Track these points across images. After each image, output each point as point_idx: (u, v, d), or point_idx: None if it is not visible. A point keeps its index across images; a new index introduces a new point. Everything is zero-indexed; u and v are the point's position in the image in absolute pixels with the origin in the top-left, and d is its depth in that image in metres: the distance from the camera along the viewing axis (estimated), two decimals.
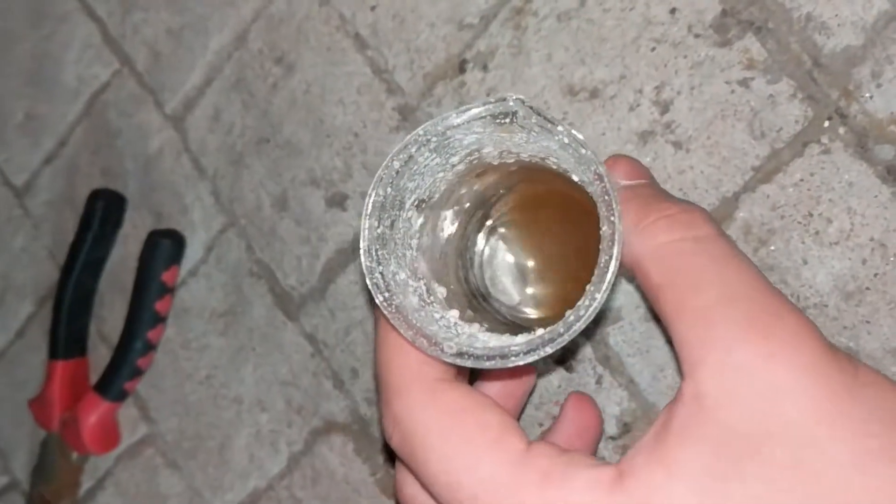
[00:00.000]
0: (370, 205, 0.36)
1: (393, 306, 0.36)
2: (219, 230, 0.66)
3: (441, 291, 0.42)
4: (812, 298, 0.46)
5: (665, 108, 0.49)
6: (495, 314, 0.47)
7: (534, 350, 0.33)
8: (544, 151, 0.38)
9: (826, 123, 0.45)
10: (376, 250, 0.36)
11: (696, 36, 0.48)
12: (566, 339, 0.33)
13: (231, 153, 0.65)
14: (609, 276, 0.33)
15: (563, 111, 0.51)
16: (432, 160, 0.38)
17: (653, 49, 0.49)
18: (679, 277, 0.33)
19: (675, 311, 0.32)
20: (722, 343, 0.30)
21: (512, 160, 0.42)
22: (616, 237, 0.33)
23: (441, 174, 0.40)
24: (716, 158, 0.47)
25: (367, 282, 0.36)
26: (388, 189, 0.36)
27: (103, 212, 0.68)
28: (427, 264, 0.42)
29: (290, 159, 0.62)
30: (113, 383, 0.68)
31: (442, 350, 0.34)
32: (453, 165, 0.40)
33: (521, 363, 0.33)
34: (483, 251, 0.49)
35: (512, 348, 0.34)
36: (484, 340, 0.38)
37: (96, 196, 0.69)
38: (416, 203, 0.40)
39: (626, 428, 0.50)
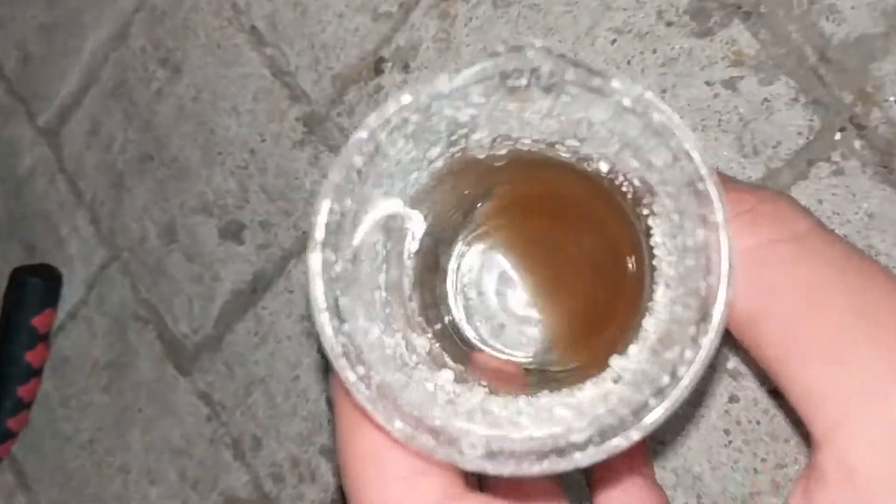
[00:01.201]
0: (320, 228, 0.23)
1: (373, 387, 0.22)
2: (100, 265, 0.54)
3: (422, 345, 0.29)
4: None
5: None
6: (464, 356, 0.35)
7: (609, 436, 0.21)
8: (564, 131, 0.26)
9: (838, 136, 0.35)
10: (336, 299, 0.23)
11: (669, 24, 0.37)
12: (665, 411, 0.20)
13: (111, 173, 0.53)
14: (720, 313, 0.21)
15: None
16: (407, 153, 0.25)
17: (613, 41, 0.38)
18: (783, 296, 0.22)
19: (786, 345, 0.22)
20: (873, 389, 0.21)
21: (504, 150, 0.29)
22: (724, 248, 0.21)
23: (414, 175, 0.27)
24: None
25: (327, 350, 0.22)
26: (348, 201, 0.23)
27: None
28: (398, 306, 0.28)
29: (177, 181, 0.50)
30: None
31: (461, 451, 0.21)
32: (430, 161, 0.27)
33: (592, 460, 0.21)
34: (463, 275, 0.36)
35: (572, 438, 0.21)
36: (507, 417, 0.24)
37: None
38: (384, 220, 0.26)
39: None
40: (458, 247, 0.35)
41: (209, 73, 0.49)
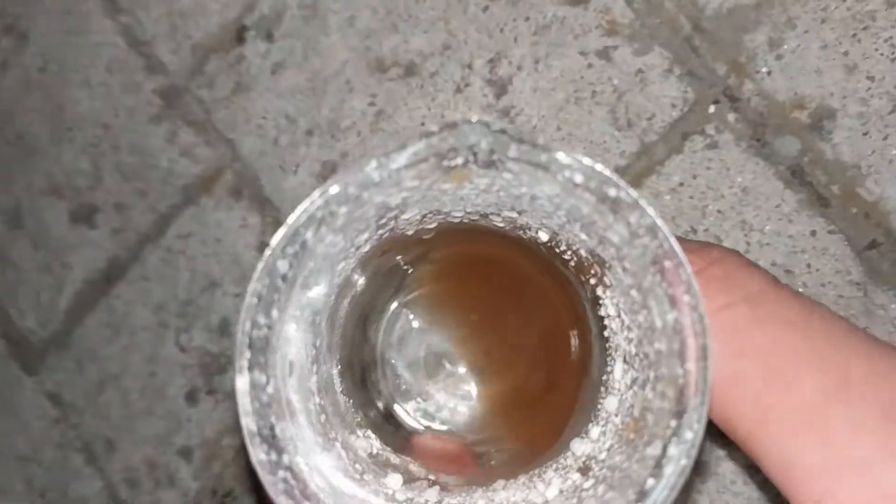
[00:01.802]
0: (249, 343, 0.20)
1: None
2: None
3: (363, 447, 0.26)
4: None
5: (502, 88, 0.36)
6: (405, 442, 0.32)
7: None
8: (502, 204, 0.23)
9: (712, 108, 0.33)
10: (271, 427, 0.20)
11: None
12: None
13: None
14: (702, 405, 0.19)
15: (371, 93, 0.38)
16: (334, 245, 0.22)
17: (485, 9, 0.36)
18: (749, 367, 0.21)
19: (759, 419, 0.21)
20: (857, 461, 0.20)
21: (434, 224, 0.26)
22: (705, 333, 0.19)
23: (342, 265, 0.24)
24: None
25: (268, 488, 0.20)
26: (274, 312, 0.20)
27: None
28: (331, 406, 0.25)
29: (23, 160, 0.46)
30: None
31: None
32: (358, 247, 0.24)
33: None
34: (392, 353, 0.33)
35: None
36: None
37: None
38: (311, 318, 0.24)
39: None
40: (385, 322, 0.32)
41: (57, 42, 0.45)
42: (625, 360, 0.22)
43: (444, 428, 0.32)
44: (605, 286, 0.22)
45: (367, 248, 0.25)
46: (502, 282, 0.32)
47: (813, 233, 0.32)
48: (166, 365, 0.43)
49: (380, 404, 0.32)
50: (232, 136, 0.41)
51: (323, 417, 0.24)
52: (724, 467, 0.34)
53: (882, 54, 0.31)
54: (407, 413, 0.32)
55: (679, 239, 0.24)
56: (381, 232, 0.24)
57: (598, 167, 0.19)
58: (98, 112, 0.44)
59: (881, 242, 0.32)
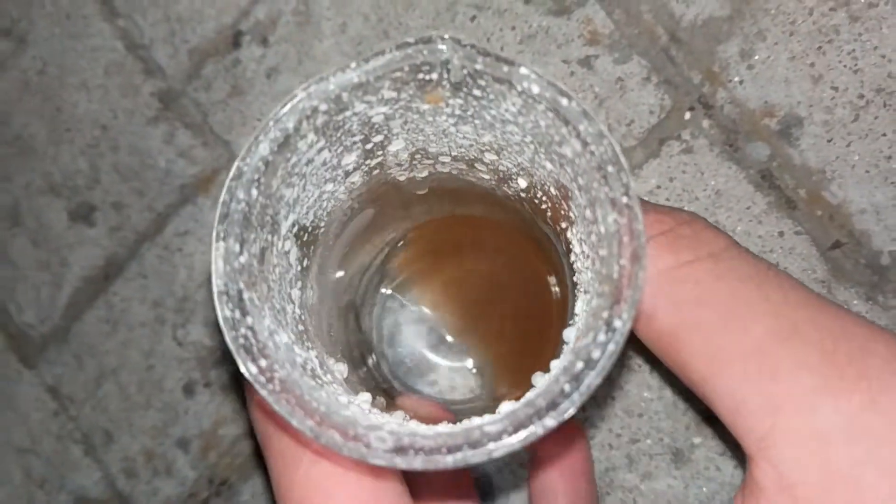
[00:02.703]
0: (226, 214, 0.22)
1: (276, 381, 0.21)
2: None
3: (340, 369, 0.28)
4: None
5: None
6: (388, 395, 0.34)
7: (524, 424, 0.20)
8: (481, 143, 0.25)
9: (688, 115, 0.35)
10: (239, 291, 0.21)
11: (527, 2, 0.37)
12: (580, 396, 0.19)
13: None
14: (632, 297, 0.20)
15: None
16: (318, 152, 0.24)
17: (472, 18, 0.38)
18: (703, 312, 0.23)
19: (712, 361, 0.23)
20: (799, 399, 0.21)
21: (425, 173, 0.28)
22: (638, 246, 0.20)
23: (330, 186, 0.26)
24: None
25: (228, 341, 0.21)
26: (253, 191, 0.22)
27: None
28: (314, 329, 0.27)
29: (21, 160, 0.47)
30: None
31: (368, 445, 0.20)
32: (347, 173, 0.26)
33: (507, 450, 0.20)
34: (386, 315, 0.34)
35: (486, 428, 0.20)
36: (425, 430, 0.22)
37: None
38: (295, 230, 0.25)
39: None
40: (380, 296, 0.34)
41: (56, 45, 0.46)
42: (585, 292, 0.23)
43: (436, 397, 0.34)
44: (571, 223, 0.24)
45: (356, 177, 0.26)
46: (487, 252, 0.33)
47: (781, 233, 0.34)
48: (164, 359, 0.45)
49: (368, 361, 0.33)
50: (228, 138, 0.43)
51: (301, 327, 0.25)
52: (699, 454, 0.36)
53: (845, 66, 0.33)
54: (396, 382, 0.34)
55: (652, 204, 0.26)
56: (369, 162, 0.26)
57: (551, 79, 0.21)
58: (96, 114, 0.45)
59: (844, 242, 0.34)
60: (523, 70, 0.21)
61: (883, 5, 0.33)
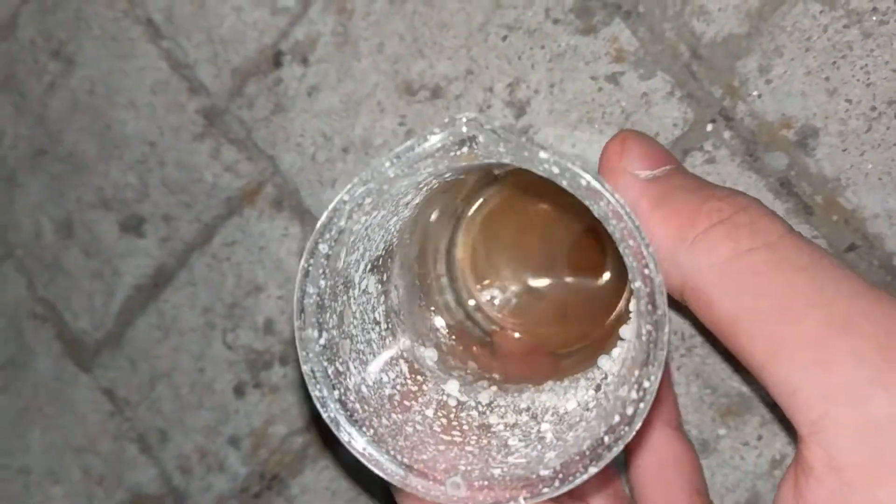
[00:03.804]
0: (301, 310, 0.25)
1: (370, 433, 0.25)
2: None
3: (430, 356, 0.31)
4: (698, 336, 0.38)
5: (521, 109, 0.40)
6: (485, 339, 0.37)
7: (572, 471, 0.24)
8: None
9: (709, 127, 0.38)
10: (324, 370, 0.26)
11: (556, 22, 0.39)
12: (614, 453, 0.23)
13: (2, 168, 0.52)
14: (659, 358, 0.23)
15: (401, 115, 0.42)
16: (375, 218, 0.27)
17: (504, 38, 0.40)
18: (762, 303, 0.24)
19: (768, 349, 0.24)
20: (852, 389, 0.23)
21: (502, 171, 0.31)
22: (658, 300, 0.23)
23: (394, 220, 0.29)
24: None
25: (337, 433, 0.26)
26: (322, 283, 0.25)
27: None
28: (404, 322, 0.31)
29: (73, 176, 0.50)
30: None
31: (446, 492, 0.25)
32: (407, 204, 0.29)
33: (557, 493, 0.23)
34: (475, 259, 0.37)
35: (541, 472, 0.24)
36: (500, 434, 0.27)
37: None
38: (370, 267, 0.28)
39: None
40: (461, 235, 0.36)
41: (104, 67, 0.48)
42: (637, 301, 0.26)
43: (520, 322, 0.37)
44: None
45: (418, 199, 0.29)
46: (560, 208, 0.36)
47: None
48: (214, 362, 0.47)
49: (469, 302, 0.36)
50: (272, 153, 0.45)
51: (388, 338, 0.29)
52: (724, 444, 0.38)
53: (858, 80, 0.36)
54: (487, 305, 0.37)
55: (712, 187, 0.28)
56: (426, 188, 0.28)
57: (570, 164, 0.23)
58: (144, 131, 0.48)
59: (859, 245, 0.36)
60: (542, 155, 0.23)
61: (893, 23, 0.35)
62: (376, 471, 0.25)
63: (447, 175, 0.27)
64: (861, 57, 0.35)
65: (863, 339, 0.23)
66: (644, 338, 0.23)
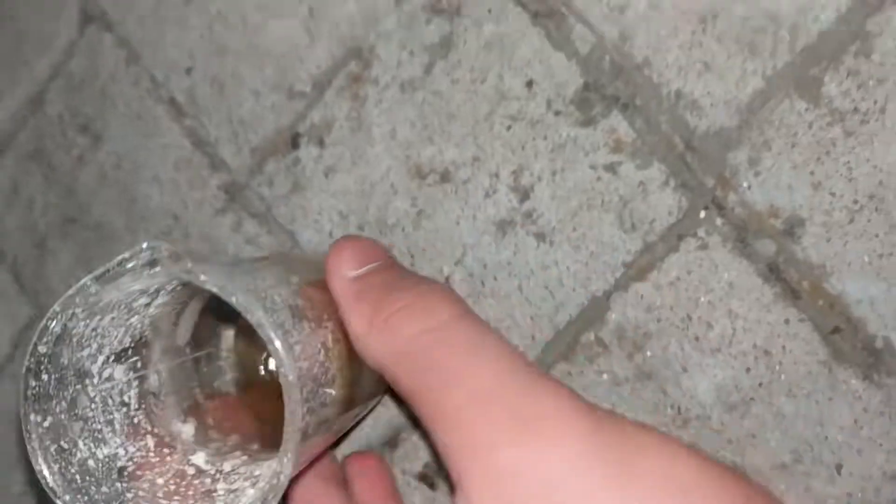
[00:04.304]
0: (26, 401, 0.30)
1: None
2: (25, 324, 0.56)
3: (188, 430, 0.36)
4: (694, 410, 0.41)
5: (525, 194, 0.43)
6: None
7: None
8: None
9: (702, 214, 0.40)
10: (50, 448, 0.31)
11: (557, 113, 0.42)
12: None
13: (34, 235, 0.55)
14: (289, 462, 0.28)
15: (412, 197, 0.45)
16: (102, 321, 0.32)
17: (508, 128, 0.43)
18: (427, 378, 0.30)
19: (430, 417, 0.30)
20: (483, 446, 0.28)
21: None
22: (294, 407, 0.28)
23: (134, 318, 0.34)
24: (583, 253, 0.42)
25: (50, 491, 0.30)
26: (45, 377, 0.31)
27: None
28: (164, 403, 0.36)
29: (101, 244, 0.53)
30: None
31: None
32: (147, 305, 0.34)
33: None
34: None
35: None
36: (218, 498, 0.33)
37: None
38: (112, 358, 0.33)
39: None
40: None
41: (130, 143, 0.51)
42: None
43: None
44: None
45: (163, 299, 0.34)
46: None
47: (787, 321, 0.39)
48: None
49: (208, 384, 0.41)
50: (291, 228, 0.48)
51: (137, 419, 0.34)
52: None
53: (841, 175, 0.38)
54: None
55: (407, 277, 0.35)
56: (168, 290, 0.34)
57: (224, 284, 0.29)
58: (168, 205, 0.50)
59: (843, 328, 0.38)
60: (202, 277, 0.29)
61: (874, 122, 0.37)
62: None
63: (169, 284, 0.32)
64: (844, 153, 0.38)
65: (500, 408, 0.28)
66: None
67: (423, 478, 0.46)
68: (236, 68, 0.48)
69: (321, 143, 0.47)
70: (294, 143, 0.47)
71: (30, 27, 0.54)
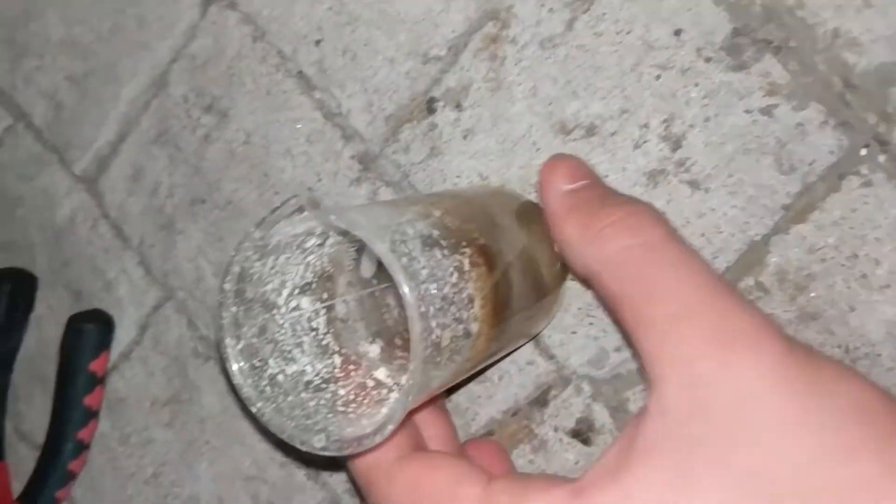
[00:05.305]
0: (221, 329, 0.35)
1: (266, 413, 0.35)
2: (153, 306, 0.57)
3: (374, 350, 0.40)
4: (863, 348, 0.40)
5: (677, 143, 0.43)
6: None
7: (379, 431, 0.32)
8: None
9: (863, 152, 0.40)
10: (243, 365, 0.35)
11: (707, 60, 0.42)
12: (396, 421, 0.31)
13: (160, 217, 0.55)
14: (420, 354, 0.30)
15: (557, 152, 0.45)
16: (278, 260, 0.37)
17: (657, 77, 0.43)
18: (634, 287, 0.33)
19: (634, 323, 0.32)
20: (683, 357, 0.30)
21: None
22: (416, 315, 0.30)
23: (311, 257, 0.38)
24: (740, 198, 0.42)
25: (244, 399, 0.35)
26: (233, 308, 0.35)
27: (10, 297, 0.58)
28: (350, 330, 0.40)
29: (232, 222, 0.53)
30: (42, 493, 0.58)
31: (313, 446, 0.34)
32: (320, 245, 0.38)
33: (372, 444, 0.32)
34: None
35: (366, 431, 0.33)
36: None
37: (1, 278, 0.58)
38: (297, 291, 0.38)
39: None
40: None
41: (259, 119, 0.52)
42: None
43: None
44: None
45: (333, 239, 0.38)
46: None
47: None
48: None
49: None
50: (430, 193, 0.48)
51: (328, 340, 0.39)
52: None
53: None
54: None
55: (615, 195, 0.39)
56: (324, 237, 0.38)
57: (354, 218, 0.32)
58: (302, 177, 0.51)
59: None
60: (332, 217, 0.32)
61: None
62: (274, 429, 0.34)
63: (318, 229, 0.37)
64: None
65: (702, 323, 0.30)
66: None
67: (577, 434, 0.46)
68: (369, 37, 0.48)
69: (458, 106, 0.47)
70: (430, 108, 0.47)
71: (150, 12, 0.54)
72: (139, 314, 0.57)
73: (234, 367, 0.35)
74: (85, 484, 0.60)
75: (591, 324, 0.45)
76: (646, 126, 0.43)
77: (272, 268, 0.36)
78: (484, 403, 0.48)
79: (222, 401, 0.55)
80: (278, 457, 0.53)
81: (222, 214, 0.53)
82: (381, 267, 0.40)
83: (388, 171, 0.49)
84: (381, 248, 0.31)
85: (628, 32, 0.43)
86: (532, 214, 0.42)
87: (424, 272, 0.32)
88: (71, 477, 0.58)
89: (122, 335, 0.58)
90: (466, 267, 0.34)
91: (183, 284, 0.55)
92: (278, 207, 0.35)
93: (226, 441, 0.55)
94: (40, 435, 0.61)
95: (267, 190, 0.52)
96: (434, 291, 0.32)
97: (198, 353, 0.55)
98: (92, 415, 0.58)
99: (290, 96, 0.51)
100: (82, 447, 0.58)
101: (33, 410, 0.61)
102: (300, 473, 0.53)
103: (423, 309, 0.31)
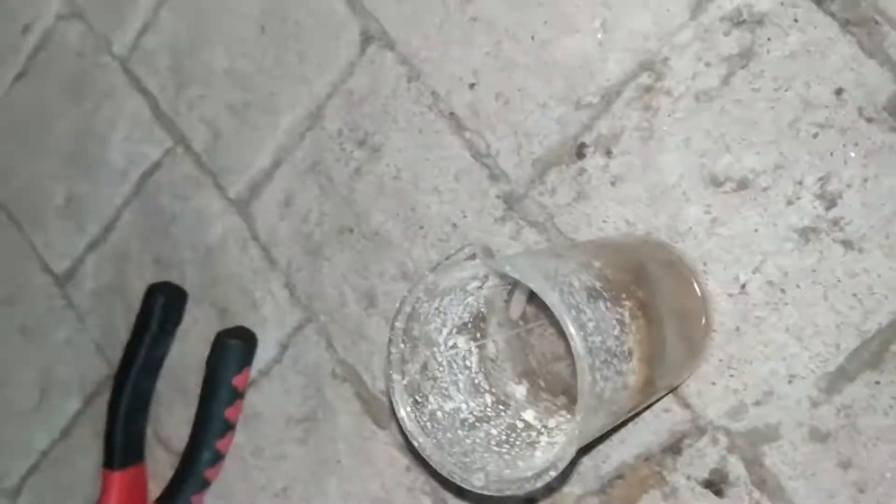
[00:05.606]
0: (390, 364, 0.37)
1: (427, 448, 0.36)
2: (294, 327, 0.59)
3: (521, 391, 0.42)
4: None
5: (832, 202, 0.43)
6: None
7: (540, 477, 0.33)
8: None
9: None
10: (408, 399, 0.37)
11: (869, 120, 0.42)
12: (559, 469, 0.32)
13: (308, 243, 0.58)
14: (587, 405, 0.31)
15: (706, 203, 0.45)
16: (443, 301, 0.38)
17: (815, 135, 0.43)
18: None
19: None
20: None
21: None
22: (585, 367, 0.31)
23: (469, 299, 0.40)
24: None
25: (411, 439, 0.37)
26: (402, 345, 0.37)
27: (164, 309, 0.62)
28: (499, 369, 0.42)
29: (378, 252, 0.55)
30: (179, 496, 0.61)
31: (472, 484, 0.35)
32: (479, 287, 0.40)
33: (533, 488, 0.33)
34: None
35: (527, 487, 0.33)
36: (539, 447, 0.38)
37: (155, 291, 0.62)
38: (456, 330, 0.40)
39: None
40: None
41: (410, 156, 0.54)
42: None
43: None
44: None
45: (491, 282, 0.40)
46: None
47: None
48: None
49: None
50: (574, 237, 0.49)
51: (478, 380, 0.40)
52: None
53: None
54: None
55: None
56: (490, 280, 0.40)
57: (524, 269, 0.34)
58: (447, 213, 0.53)
59: None
60: (507, 267, 0.34)
61: None
62: (434, 465, 0.36)
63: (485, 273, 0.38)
64: None
65: None
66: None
67: (709, 484, 0.46)
68: (524, 83, 0.50)
69: (608, 153, 0.48)
70: (579, 153, 0.49)
71: (311, 48, 0.58)
72: (281, 334, 0.60)
73: (400, 401, 0.37)
74: (217, 492, 0.63)
75: (731, 376, 0.45)
76: (800, 183, 0.43)
77: (437, 308, 0.38)
78: (616, 446, 0.48)
79: (356, 422, 0.57)
80: (406, 481, 0.55)
81: (369, 244, 0.56)
82: (527, 308, 0.42)
83: (532, 211, 0.50)
84: (553, 300, 0.32)
85: (787, 90, 0.43)
86: (681, 266, 0.43)
87: (591, 325, 0.33)
88: (206, 484, 0.62)
89: (263, 353, 0.60)
90: (627, 320, 0.35)
91: (325, 308, 0.58)
92: (453, 254, 0.37)
93: (357, 462, 0.57)
94: (177, 441, 0.64)
95: (413, 224, 0.54)
96: (598, 343, 0.33)
97: (335, 375, 0.58)
98: (230, 427, 0.61)
99: (442, 135, 0.53)
100: (219, 457, 0.61)
101: (173, 418, 0.65)
102: (426, 500, 0.55)
103: (590, 361, 0.31)
